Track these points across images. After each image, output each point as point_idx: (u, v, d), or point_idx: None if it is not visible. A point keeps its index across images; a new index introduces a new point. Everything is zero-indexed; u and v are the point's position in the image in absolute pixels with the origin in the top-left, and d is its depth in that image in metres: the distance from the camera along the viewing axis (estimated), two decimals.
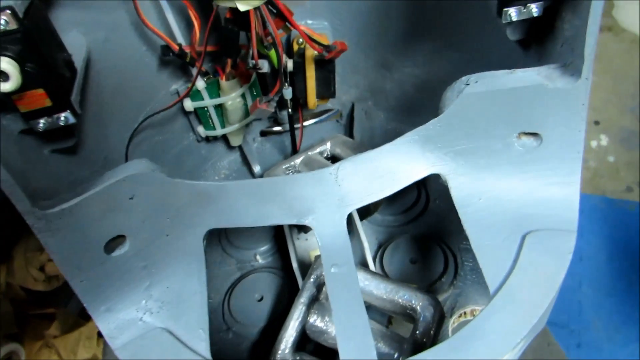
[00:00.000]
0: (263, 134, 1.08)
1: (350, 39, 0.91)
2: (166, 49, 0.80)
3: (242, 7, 0.68)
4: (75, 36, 0.69)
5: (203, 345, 0.59)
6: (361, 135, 1.06)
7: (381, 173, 0.66)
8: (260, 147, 1.08)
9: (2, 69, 0.49)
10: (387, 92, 1.03)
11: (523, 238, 0.61)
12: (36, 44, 0.53)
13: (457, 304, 0.81)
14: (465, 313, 0.81)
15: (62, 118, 0.59)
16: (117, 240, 0.63)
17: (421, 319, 0.70)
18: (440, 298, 0.80)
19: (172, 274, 0.64)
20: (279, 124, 1.06)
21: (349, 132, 1.08)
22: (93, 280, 0.62)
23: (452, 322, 0.80)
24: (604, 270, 1.58)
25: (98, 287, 0.62)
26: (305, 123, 1.04)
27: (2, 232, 1.30)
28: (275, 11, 0.72)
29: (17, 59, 0.50)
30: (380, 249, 0.89)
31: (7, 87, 0.50)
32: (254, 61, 0.76)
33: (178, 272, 0.64)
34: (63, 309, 1.42)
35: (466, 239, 0.88)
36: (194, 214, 0.65)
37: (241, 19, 0.70)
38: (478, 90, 0.61)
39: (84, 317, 1.39)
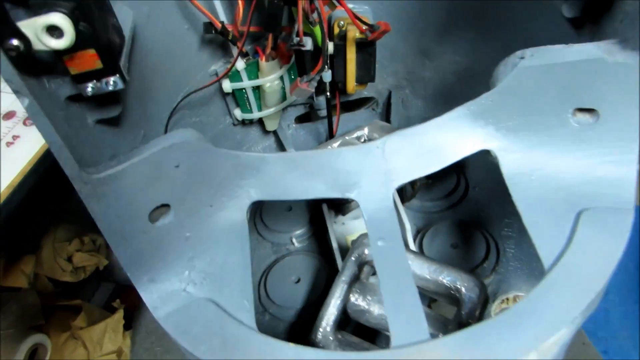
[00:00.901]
0: (298, 120, 1.07)
1: (390, 24, 0.90)
2: (209, 26, 0.79)
3: None
4: (122, 7, 0.69)
5: (248, 316, 0.57)
6: (398, 124, 1.04)
7: (429, 148, 0.65)
8: (295, 134, 1.07)
9: (57, 24, 0.48)
10: (425, 80, 1.01)
11: (578, 215, 0.59)
12: (89, 3, 0.52)
13: (499, 290, 0.79)
14: (507, 299, 0.79)
15: (112, 82, 0.59)
16: (161, 210, 0.62)
17: (466, 300, 0.68)
18: None
19: (216, 245, 0.63)
20: (314, 111, 1.05)
21: (385, 120, 1.07)
22: (137, 250, 0.61)
23: (494, 308, 0.78)
24: (632, 279, 1.55)
25: (142, 256, 0.62)
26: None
27: (31, 222, 1.31)
28: None
29: (71, 16, 0.50)
30: (419, 235, 0.87)
31: (61, 43, 0.50)
32: (297, 38, 0.75)
33: (221, 244, 0.63)
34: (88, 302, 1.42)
35: (508, 226, 0.86)
36: (238, 185, 0.64)
37: None
38: (533, 64, 0.60)
39: (109, 310, 1.39)
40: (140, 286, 0.62)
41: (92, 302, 1.51)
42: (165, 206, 0.62)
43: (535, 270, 0.80)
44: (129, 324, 1.42)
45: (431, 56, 0.97)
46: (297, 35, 0.75)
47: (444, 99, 1.01)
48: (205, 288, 0.61)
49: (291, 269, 0.87)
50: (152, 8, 0.75)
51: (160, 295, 0.61)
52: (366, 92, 1.05)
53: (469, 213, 0.90)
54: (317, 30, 0.78)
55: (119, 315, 1.37)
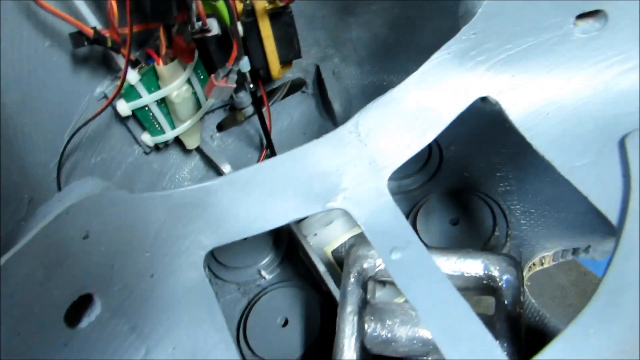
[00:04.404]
0: (221, 127, 0.89)
1: None
2: (78, 36, 0.59)
3: None
4: None
5: None
6: (339, 101, 0.88)
7: (415, 114, 0.49)
8: (222, 144, 0.89)
9: None
10: (354, 42, 0.86)
11: (622, 143, 0.46)
12: None
13: (522, 258, 0.66)
14: (534, 264, 0.66)
15: None
16: (80, 304, 0.43)
17: (504, 285, 0.54)
18: None
19: (175, 326, 0.45)
20: (237, 111, 0.87)
21: (322, 100, 0.91)
22: None
23: (525, 280, 0.65)
24: None
25: None
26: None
27: None
28: None
29: None
30: (409, 219, 0.73)
31: None
32: (200, 23, 0.57)
33: (182, 321, 0.45)
34: None
35: (502, 180, 0.73)
36: (181, 235, 0.46)
37: None
38: None
39: None
40: None
41: None
42: (86, 297, 0.43)
43: (551, 219, 0.68)
44: None
45: (354, 12, 0.82)
46: (198, 18, 0.57)
47: (381, 57, 0.87)
48: None
49: (273, 310, 0.69)
50: None
51: None
52: (290, 74, 0.89)
53: (453, 178, 0.76)
54: (220, 5, 0.60)
55: None
